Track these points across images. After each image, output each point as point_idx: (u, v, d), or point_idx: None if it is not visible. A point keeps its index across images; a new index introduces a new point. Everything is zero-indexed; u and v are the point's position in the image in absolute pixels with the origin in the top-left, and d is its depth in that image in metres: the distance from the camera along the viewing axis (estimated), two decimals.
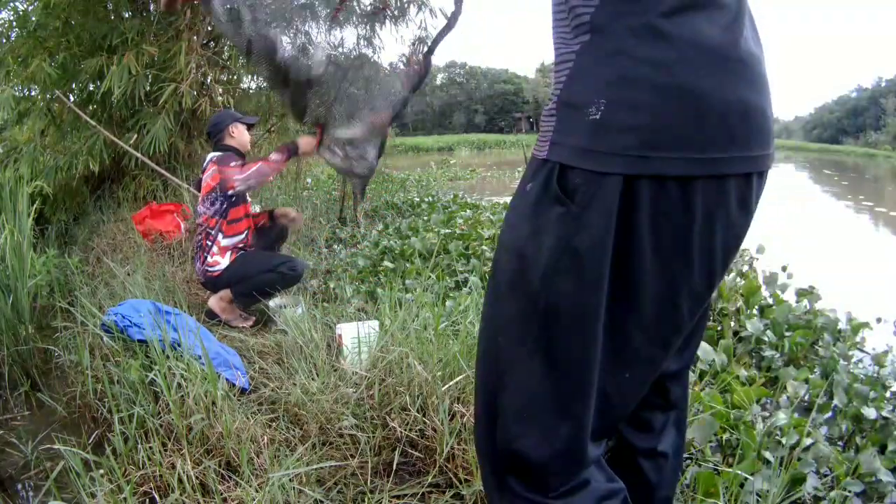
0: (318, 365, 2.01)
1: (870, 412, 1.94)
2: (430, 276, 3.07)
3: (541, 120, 0.75)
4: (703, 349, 2.31)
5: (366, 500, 1.51)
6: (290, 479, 1.49)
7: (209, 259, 2.87)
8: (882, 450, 1.83)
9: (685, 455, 1.68)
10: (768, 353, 2.53)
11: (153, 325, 2.11)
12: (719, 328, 2.79)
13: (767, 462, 1.60)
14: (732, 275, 3.45)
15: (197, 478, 1.53)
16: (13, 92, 4.83)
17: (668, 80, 0.66)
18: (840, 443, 1.97)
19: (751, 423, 1.77)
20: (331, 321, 2.49)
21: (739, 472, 1.49)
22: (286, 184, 5.97)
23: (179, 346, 1.99)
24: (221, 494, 1.49)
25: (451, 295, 2.82)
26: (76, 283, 3.37)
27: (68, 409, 2.23)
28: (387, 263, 3.51)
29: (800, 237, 6.26)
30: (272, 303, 2.88)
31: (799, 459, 1.62)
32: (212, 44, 5.24)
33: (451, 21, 0.92)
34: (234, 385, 2.00)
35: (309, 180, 7.35)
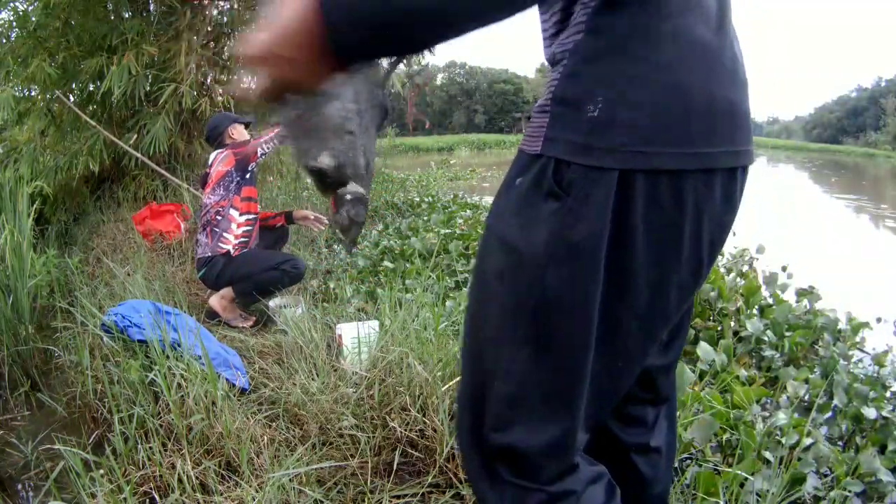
0: (318, 365, 2.01)
1: (870, 412, 1.94)
2: (430, 276, 3.07)
3: (532, 115, 0.77)
4: (703, 349, 2.31)
5: (366, 500, 1.51)
6: (290, 479, 1.49)
7: (224, 235, 2.86)
8: (882, 450, 1.83)
9: (685, 455, 1.68)
10: (768, 353, 2.53)
11: (153, 325, 2.11)
12: (719, 328, 2.79)
13: (767, 462, 1.60)
14: (732, 275, 3.45)
15: (197, 478, 1.53)
16: (13, 92, 4.83)
17: (665, 79, 0.68)
18: (840, 443, 1.97)
19: (751, 423, 1.77)
20: (331, 321, 2.49)
21: (739, 472, 1.49)
22: (286, 184, 5.97)
23: (179, 346, 1.99)
24: (221, 494, 1.49)
25: (451, 295, 2.82)
26: (76, 283, 3.37)
27: (68, 409, 2.23)
28: (387, 263, 3.51)
29: (800, 237, 6.26)
30: (272, 303, 2.88)
31: (799, 459, 1.62)
32: (212, 44, 5.25)
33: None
34: (234, 385, 2.00)
35: (309, 180, 7.34)
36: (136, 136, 4.70)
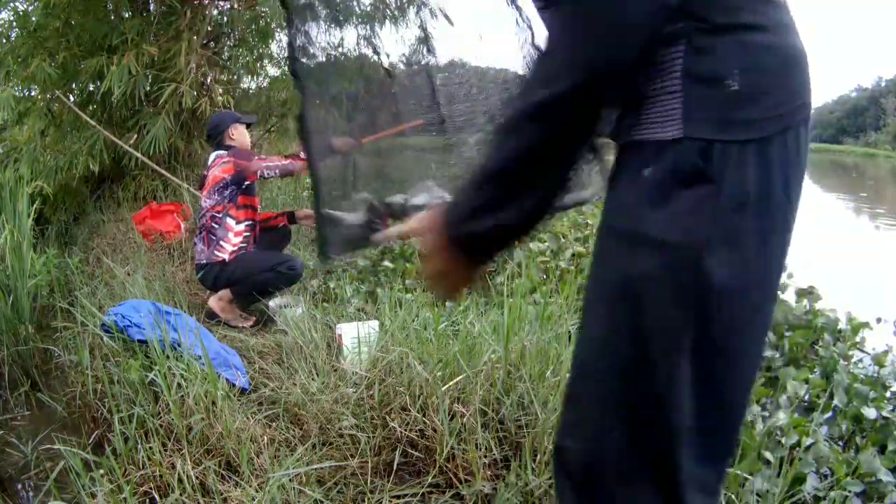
0: (318, 365, 2.01)
1: (870, 412, 1.94)
2: None
3: (647, 100, 0.73)
4: None
5: (366, 500, 1.52)
6: (290, 479, 1.49)
7: (221, 243, 2.87)
8: (882, 450, 1.83)
9: None
10: (768, 352, 2.53)
11: (153, 325, 2.11)
12: None
13: (767, 462, 1.60)
14: None
15: (197, 478, 1.53)
16: (13, 92, 4.83)
17: (777, 40, 0.71)
18: (840, 443, 1.97)
19: (751, 423, 1.77)
20: (331, 321, 2.49)
21: (739, 472, 1.49)
22: (286, 183, 5.97)
23: (179, 346, 1.99)
24: (221, 494, 1.49)
25: None
26: (76, 283, 3.37)
27: (68, 409, 2.23)
28: (387, 263, 3.51)
29: (800, 237, 6.26)
30: (272, 303, 2.89)
31: (799, 459, 1.62)
32: (212, 44, 5.25)
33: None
34: (234, 385, 2.00)
35: (309, 180, 7.35)
36: (136, 136, 4.70)
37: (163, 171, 4.52)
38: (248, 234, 2.95)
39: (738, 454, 1.62)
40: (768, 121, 0.69)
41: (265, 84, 5.98)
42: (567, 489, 0.79)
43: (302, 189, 5.81)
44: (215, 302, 2.90)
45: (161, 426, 1.74)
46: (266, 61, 5.89)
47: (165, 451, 1.63)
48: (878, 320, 3.19)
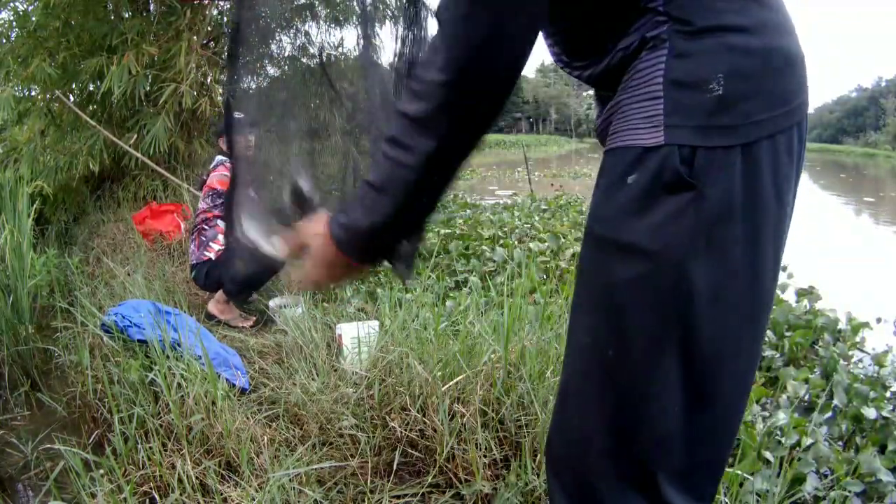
0: (318, 365, 2.01)
1: (870, 412, 1.95)
2: (430, 276, 3.07)
3: (625, 107, 0.72)
4: None
5: (366, 500, 1.51)
6: (290, 479, 1.49)
7: (210, 244, 2.92)
8: (882, 450, 1.83)
9: None
10: (768, 353, 2.53)
11: (153, 325, 2.11)
12: None
13: (767, 462, 1.60)
14: None
15: (197, 478, 1.53)
16: (13, 92, 4.83)
17: (762, 42, 0.69)
18: (840, 443, 1.97)
19: (751, 423, 1.78)
20: (331, 321, 2.49)
21: (739, 472, 1.49)
22: None
23: (179, 346, 1.99)
24: (221, 494, 1.49)
25: (451, 295, 2.82)
26: (76, 283, 3.37)
27: (68, 409, 2.23)
28: (386, 263, 3.51)
29: (800, 237, 6.26)
30: (272, 303, 2.89)
31: (799, 459, 1.62)
32: (212, 44, 5.24)
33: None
34: (234, 385, 2.00)
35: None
36: (136, 136, 4.69)
37: (163, 171, 4.52)
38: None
39: (738, 454, 1.62)
40: (754, 125, 0.67)
41: (265, 84, 5.97)
42: (557, 491, 0.79)
43: None
44: (213, 305, 2.91)
45: (161, 426, 1.74)
46: (266, 61, 5.88)
47: (165, 451, 1.63)
48: (878, 320, 3.19)
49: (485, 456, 1.58)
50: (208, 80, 4.96)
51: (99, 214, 4.91)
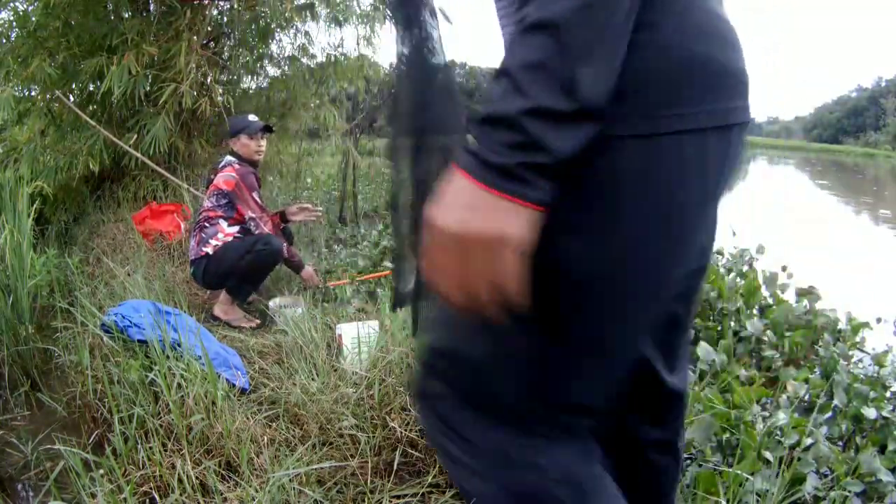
0: (318, 365, 2.01)
1: (870, 412, 1.95)
2: None
3: None
4: (703, 349, 2.31)
5: (366, 500, 1.51)
6: (290, 480, 1.49)
7: (210, 241, 2.91)
8: (882, 450, 1.83)
9: (685, 455, 1.68)
10: (768, 352, 2.53)
11: (153, 325, 2.11)
12: (719, 328, 2.79)
13: (767, 462, 1.60)
14: (732, 275, 3.45)
15: (197, 478, 1.53)
16: (13, 92, 4.82)
17: (678, 43, 0.68)
18: (840, 443, 1.97)
19: (751, 423, 1.77)
20: (331, 321, 2.49)
21: (739, 472, 1.49)
22: (286, 184, 5.97)
23: (179, 346, 1.99)
24: (221, 494, 1.49)
25: None
26: (76, 283, 3.37)
27: (68, 409, 2.23)
28: (387, 263, 3.51)
29: (800, 237, 6.26)
30: (272, 303, 2.89)
31: (799, 459, 1.62)
32: (212, 44, 5.25)
33: None
34: (234, 385, 2.00)
35: (309, 180, 7.36)
36: (136, 136, 4.69)
37: (163, 171, 4.52)
38: (240, 235, 2.96)
39: (738, 454, 1.62)
40: (649, 120, 0.66)
41: (265, 84, 5.99)
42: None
43: (302, 189, 5.81)
44: (218, 308, 2.91)
45: (161, 426, 1.74)
46: (266, 61, 5.90)
47: (165, 451, 1.63)
48: (878, 320, 3.19)
49: None
50: (208, 80, 4.96)
51: (99, 214, 4.91)
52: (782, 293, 3.25)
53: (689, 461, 1.66)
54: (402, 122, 0.87)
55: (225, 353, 2.21)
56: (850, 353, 2.63)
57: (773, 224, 6.78)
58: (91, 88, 4.98)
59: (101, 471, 1.53)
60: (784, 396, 2.17)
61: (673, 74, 0.67)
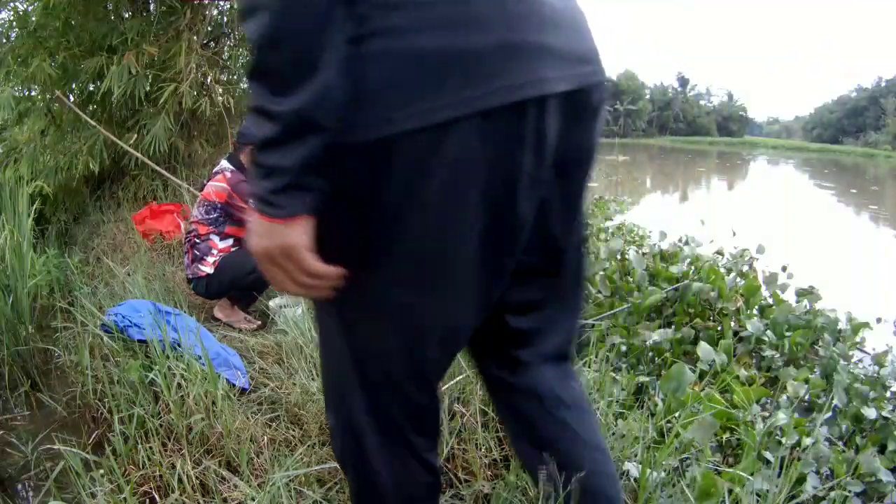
0: (318, 365, 2.01)
1: (870, 412, 1.95)
2: None
3: None
4: (703, 349, 2.31)
5: None
6: (290, 480, 1.49)
7: (205, 258, 2.83)
8: (882, 450, 1.83)
9: (685, 455, 1.68)
10: (768, 353, 2.53)
11: (153, 325, 2.11)
12: (719, 328, 2.79)
13: (767, 462, 1.60)
14: (732, 275, 3.45)
15: (197, 478, 1.53)
16: (13, 92, 4.83)
17: (404, 44, 0.69)
18: (840, 443, 1.97)
19: (751, 423, 1.78)
20: None
21: (739, 472, 1.49)
22: None
23: (179, 346, 1.99)
24: (221, 494, 1.49)
25: None
26: (76, 283, 3.37)
27: (68, 409, 2.23)
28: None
29: (800, 237, 6.26)
30: (272, 303, 2.88)
31: (799, 459, 1.62)
32: (212, 44, 5.25)
33: None
34: (234, 385, 2.00)
35: None
36: (136, 136, 4.69)
37: (163, 171, 4.52)
38: (234, 248, 2.91)
39: (738, 454, 1.62)
40: (383, 123, 0.69)
41: None
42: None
43: None
44: (219, 311, 2.90)
45: (161, 426, 1.74)
46: None
47: (165, 451, 1.63)
48: (878, 320, 3.19)
49: (485, 456, 1.58)
50: (208, 80, 4.96)
51: (99, 214, 4.91)
52: (782, 293, 3.25)
53: (688, 461, 1.66)
54: None
55: (225, 353, 2.21)
56: (850, 353, 2.63)
57: (773, 224, 6.78)
58: (91, 88, 4.98)
59: (101, 471, 1.53)
60: (784, 396, 2.17)
61: (401, 74, 0.69)
